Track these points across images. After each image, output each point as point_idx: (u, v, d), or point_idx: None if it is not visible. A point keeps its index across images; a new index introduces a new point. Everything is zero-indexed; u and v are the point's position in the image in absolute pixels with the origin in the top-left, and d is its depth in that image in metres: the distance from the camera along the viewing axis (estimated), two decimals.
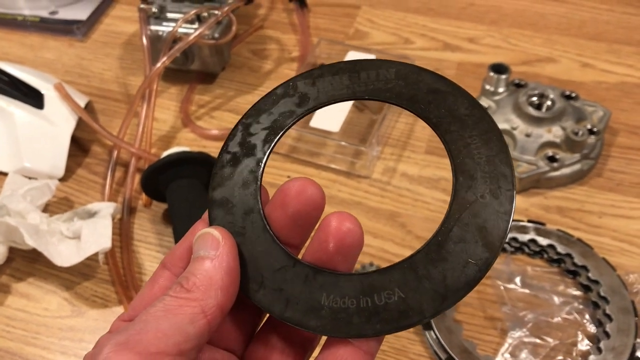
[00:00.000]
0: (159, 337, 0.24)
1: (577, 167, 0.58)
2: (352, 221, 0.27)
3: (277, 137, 0.30)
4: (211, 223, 0.29)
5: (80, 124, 0.65)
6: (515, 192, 0.27)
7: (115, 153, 0.63)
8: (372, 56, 0.68)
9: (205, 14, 0.66)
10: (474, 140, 0.28)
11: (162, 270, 0.29)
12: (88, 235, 0.51)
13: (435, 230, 0.27)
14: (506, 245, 0.53)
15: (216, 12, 0.65)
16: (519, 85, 0.64)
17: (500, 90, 0.63)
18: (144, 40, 0.67)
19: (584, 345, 0.48)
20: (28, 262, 0.56)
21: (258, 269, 0.28)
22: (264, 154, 0.30)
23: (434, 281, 0.26)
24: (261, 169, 0.30)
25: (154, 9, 0.68)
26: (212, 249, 0.27)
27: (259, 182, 0.29)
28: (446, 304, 0.26)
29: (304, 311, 0.27)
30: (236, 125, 0.31)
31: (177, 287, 0.26)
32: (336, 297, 0.27)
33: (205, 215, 0.30)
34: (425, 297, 0.26)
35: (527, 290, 0.51)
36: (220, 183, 0.30)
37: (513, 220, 0.54)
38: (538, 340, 0.48)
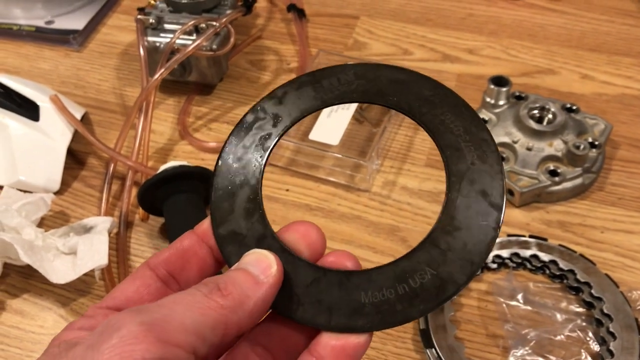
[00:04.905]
0: (180, 331, 0.24)
1: (578, 181, 0.58)
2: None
3: (265, 160, 0.31)
4: (227, 260, 0.29)
5: (76, 136, 0.64)
6: (498, 151, 0.29)
7: (111, 166, 0.62)
8: None
9: (203, 25, 0.65)
10: (447, 116, 0.30)
11: (145, 269, 0.29)
12: (84, 252, 0.51)
13: (442, 204, 0.29)
14: (508, 261, 0.53)
15: (214, 23, 0.65)
16: (519, 98, 0.64)
17: (501, 102, 0.63)
18: (141, 52, 0.66)
19: None
20: (23, 278, 0.55)
21: (290, 288, 0.28)
22: (257, 181, 0.31)
23: (457, 250, 0.28)
24: (259, 195, 0.30)
25: (152, 20, 0.67)
26: (262, 272, 0.27)
27: (261, 208, 0.30)
28: (475, 267, 0.27)
29: (348, 314, 0.28)
30: (217, 160, 0.32)
31: (212, 286, 0.26)
32: (374, 292, 0.28)
33: (198, 226, 0.30)
34: (454, 267, 0.27)
35: (529, 307, 0.50)
36: (222, 220, 0.30)
37: (505, 233, 0.53)
38: (541, 359, 0.47)
